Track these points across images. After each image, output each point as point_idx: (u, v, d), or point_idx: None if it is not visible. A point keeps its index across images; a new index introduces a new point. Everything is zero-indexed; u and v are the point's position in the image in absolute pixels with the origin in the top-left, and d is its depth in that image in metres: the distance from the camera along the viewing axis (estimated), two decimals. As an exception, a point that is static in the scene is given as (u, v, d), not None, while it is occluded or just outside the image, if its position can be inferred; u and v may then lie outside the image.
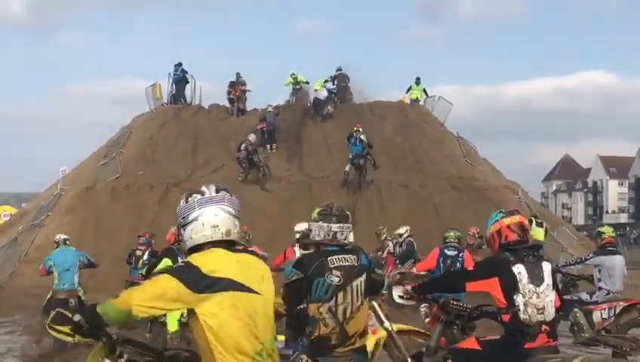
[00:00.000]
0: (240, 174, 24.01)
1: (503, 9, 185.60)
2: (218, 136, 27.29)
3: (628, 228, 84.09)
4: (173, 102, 29.78)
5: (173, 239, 10.92)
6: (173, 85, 29.94)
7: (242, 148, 23.65)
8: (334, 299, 4.95)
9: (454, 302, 5.42)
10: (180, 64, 29.67)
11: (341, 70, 29.17)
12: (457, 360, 5.22)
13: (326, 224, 5.17)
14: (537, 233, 18.29)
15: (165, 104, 29.66)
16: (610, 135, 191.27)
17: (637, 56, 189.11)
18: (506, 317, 4.95)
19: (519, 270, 4.92)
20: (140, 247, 15.46)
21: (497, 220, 5.20)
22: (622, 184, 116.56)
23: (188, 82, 30.09)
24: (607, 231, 11.02)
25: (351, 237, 5.32)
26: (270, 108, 27.21)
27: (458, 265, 10.72)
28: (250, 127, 26.95)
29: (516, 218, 5.20)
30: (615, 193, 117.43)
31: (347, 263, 5.07)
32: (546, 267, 5.04)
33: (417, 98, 29.67)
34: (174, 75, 29.67)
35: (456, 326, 5.53)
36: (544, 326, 4.91)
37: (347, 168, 23.58)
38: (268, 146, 26.32)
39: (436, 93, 30.85)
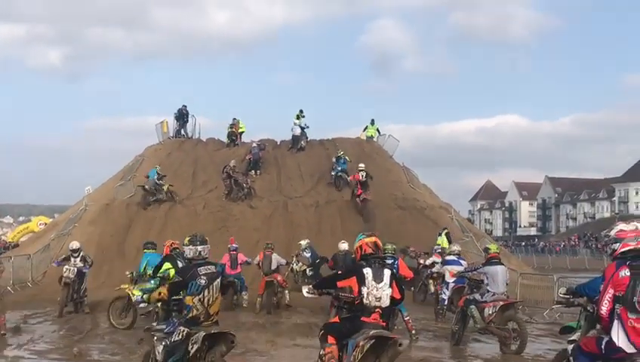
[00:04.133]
0: (224, 192, 24.30)
1: (437, 65, 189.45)
2: (213, 163, 27.22)
3: (536, 239, 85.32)
4: (177, 136, 29.73)
5: (168, 250, 12.07)
6: (178, 122, 29.92)
7: (225, 171, 24.25)
8: (202, 293, 6.29)
9: (342, 294, 6.14)
10: (185, 106, 29.79)
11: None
12: (326, 328, 6.13)
13: (194, 247, 6.55)
14: (442, 241, 19.19)
15: (171, 137, 29.56)
16: (523, 165, 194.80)
17: (543, 103, 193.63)
18: (357, 302, 5.95)
19: (367, 271, 5.99)
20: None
21: (361, 238, 6.27)
22: (532, 204, 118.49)
23: (187, 121, 30.06)
24: (493, 248, 11.71)
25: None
26: (254, 144, 27.20)
27: (394, 270, 11.20)
28: (239, 155, 27.01)
29: (372, 238, 6.26)
30: (526, 211, 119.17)
31: (210, 271, 6.46)
32: (387, 272, 6.09)
33: (372, 135, 29.74)
34: (179, 113, 29.65)
35: (345, 308, 6.17)
36: (378, 310, 5.95)
37: (334, 179, 25.02)
38: (252, 172, 26.37)
39: (387, 132, 31.14)
